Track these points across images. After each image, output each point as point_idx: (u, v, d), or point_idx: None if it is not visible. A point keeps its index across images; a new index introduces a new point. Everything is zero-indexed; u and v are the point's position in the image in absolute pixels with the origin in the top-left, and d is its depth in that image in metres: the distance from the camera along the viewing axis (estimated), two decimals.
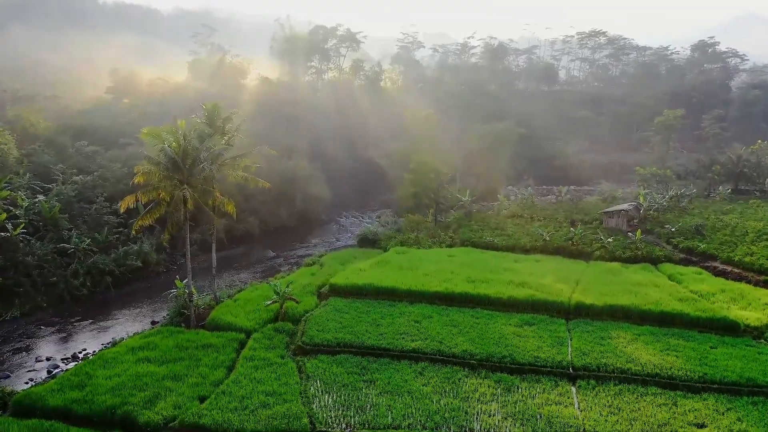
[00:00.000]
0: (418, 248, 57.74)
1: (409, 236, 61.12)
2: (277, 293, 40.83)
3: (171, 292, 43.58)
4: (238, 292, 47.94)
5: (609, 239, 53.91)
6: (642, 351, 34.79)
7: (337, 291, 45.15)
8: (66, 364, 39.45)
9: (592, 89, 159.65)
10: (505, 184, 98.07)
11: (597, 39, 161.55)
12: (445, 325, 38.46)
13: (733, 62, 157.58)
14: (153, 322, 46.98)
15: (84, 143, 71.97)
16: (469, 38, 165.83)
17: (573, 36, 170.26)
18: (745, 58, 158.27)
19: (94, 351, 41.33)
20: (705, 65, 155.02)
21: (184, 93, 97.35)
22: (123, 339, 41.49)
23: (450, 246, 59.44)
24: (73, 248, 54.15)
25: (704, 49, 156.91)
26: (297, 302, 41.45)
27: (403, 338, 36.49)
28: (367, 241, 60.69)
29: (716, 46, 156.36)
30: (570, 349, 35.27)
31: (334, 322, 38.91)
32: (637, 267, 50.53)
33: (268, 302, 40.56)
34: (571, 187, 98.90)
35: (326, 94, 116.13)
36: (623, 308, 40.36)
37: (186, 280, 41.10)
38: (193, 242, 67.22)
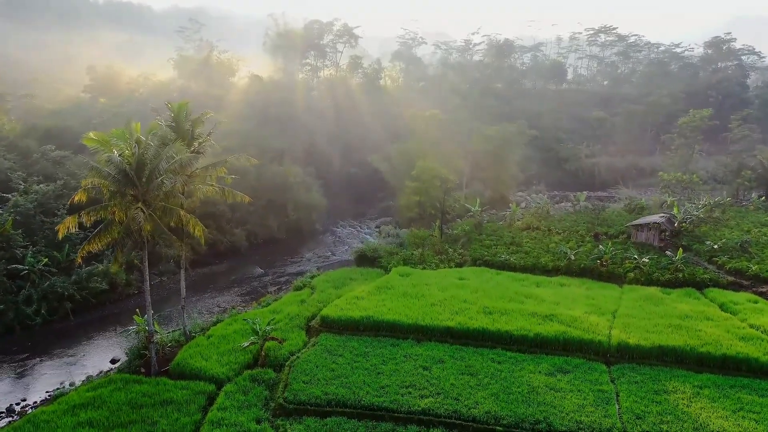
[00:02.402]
0: (424, 268, 50.62)
1: (413, 253, 53.99)
2: (257, 332, 33.73)
3: (129, 330, 36.41)
4: (214, 324, 40.75)
5: (644, 259, 46.80)
6: (710, 412, 27.73)
7: (330, 325, 38.03)
8: None
9: (602, 88, 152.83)
10: (515, 189, 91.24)
11: (606, 36, 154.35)
12: (460, 374, 31.37)
13: (750, 59, 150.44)
14: (113, 361, 39.92)
15: (51, 147, 64.77)
16: (473, 34, 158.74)
17: (580, 33, 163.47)
18: (762, 55, 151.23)
19: (35, 402, 34.32)
20: (720, 63, 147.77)
21: (166, 92, 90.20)
22: (74, 385, 34.53)
23: (459, 265, 52.34)
24: (26, 269, 47.03)
25: (719, 45, 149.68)
26: (280, 343, 34.32)
27: (410, 393, 29.40)
28: (366, 259, 53.56)
29: (731, 43, 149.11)
30: (619, 409, 28.22)
31: (324, 370, 31.80)
32: (680, 293, 43.40)
33: (246, 344, 33.45)
34: (589, 193, 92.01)
35: (322, 93, 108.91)
36: (676, 350, 33.27)
37: (147, 315, 33.90)
38: (170, 258, 60.42)
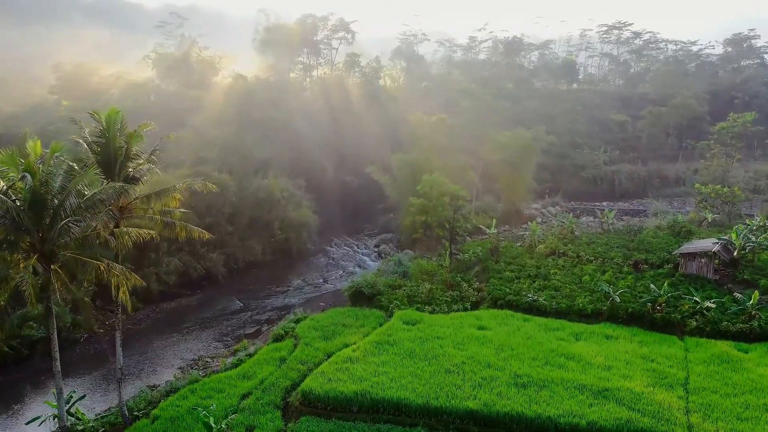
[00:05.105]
0: (433, 310, 41.47)
1: (420, 288, 44.78)
2: (211, 427, 24.60)
3: (39, 418, 27.15)
4: (166, 395, 31.62)
5: (709, 303, 37.63)
6: None
7: (314, 404, 28.87)
8: None
9: (618, 88, 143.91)
10: (530, 201, 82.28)
11: (620, 32, 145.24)
12: None
13: None
14: None
15: None
16: (479, 30, 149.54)
17: (591, 30, 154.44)
18: None
19: None
20: (742, 61, 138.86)
21: (141, 92, 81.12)
22: None
23: (475, 305, 43.19)
24: None
25: (739, 43, 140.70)
26: None
27: None
28: (363, 297, 44.40)
29: (753, 41, 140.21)
30: None
31: None
32: (761, 350, 34.04)
33: None
34: (610, 203, 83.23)
35: (315, 94, 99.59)
36: None
37: (59, 402, 24.74)
38: (130, 293, 51.21)
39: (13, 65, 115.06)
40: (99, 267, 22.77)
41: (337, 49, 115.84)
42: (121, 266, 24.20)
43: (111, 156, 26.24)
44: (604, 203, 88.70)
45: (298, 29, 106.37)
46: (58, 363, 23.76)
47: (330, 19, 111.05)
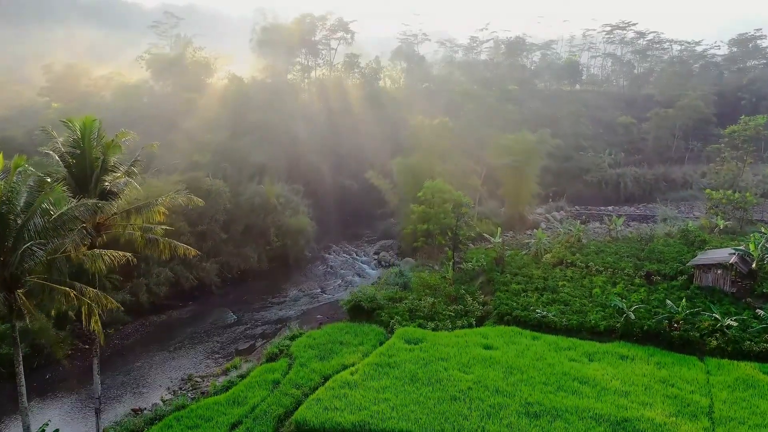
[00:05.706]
0: (436, 326, 39.26)
1: (422, 303, 42.55)
2: None
3: None
4: (150, 423, 29.41)
5: (730, 321, 35.40)
6: None
7: None
8: None
9: (622, 89, 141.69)
10: (534, 206, 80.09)
11: (624, 32, 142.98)
12: None
13: None
14: None
15: None
16: (481, 30, 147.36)
17: (594, 30, 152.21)
18: None
19: None
20: (748, 62, 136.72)
21: (135, 94, 78.83)
22: None
23: (480, 320, 40.98)
24: None
25: (745, 43, 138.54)
26: None
27: None
28: (362, 311, 42.15)
29: (758, 41, 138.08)
30: None
31: None
32: None
33: None
34: (616, 208, 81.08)
35: (313, 96, 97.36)
36: None
37: (40, 423, 22.51)
38: (122, 304, 48.93)
39: (6, 65, 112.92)
40: (69, 293, 20.53)
41: (335, 49, 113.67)
42: (95, 290, 21.95)
43: (86, 168, 24.02)
44: (610, 207, 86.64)
45: (296, 29, 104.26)
46: (24, 398, 21.53)
47: (328, 19, 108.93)
